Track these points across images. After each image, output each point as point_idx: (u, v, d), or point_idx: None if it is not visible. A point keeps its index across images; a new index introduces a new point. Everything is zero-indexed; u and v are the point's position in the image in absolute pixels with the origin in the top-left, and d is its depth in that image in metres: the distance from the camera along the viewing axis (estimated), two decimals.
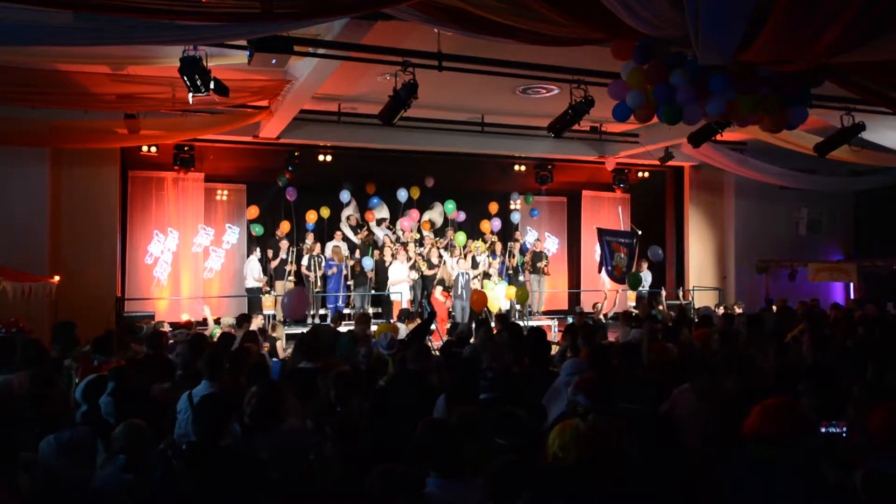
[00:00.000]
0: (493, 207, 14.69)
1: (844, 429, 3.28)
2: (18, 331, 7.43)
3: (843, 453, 3.08)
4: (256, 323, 9.55)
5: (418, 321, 8.29)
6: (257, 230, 13.08)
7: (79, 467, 2.99)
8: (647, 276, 13.73)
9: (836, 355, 5.57)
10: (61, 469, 2.96)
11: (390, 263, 12.64)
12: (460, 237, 13.77)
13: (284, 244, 12.55)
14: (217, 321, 9.87)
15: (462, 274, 12.42)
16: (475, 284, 12.89)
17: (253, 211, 13.18)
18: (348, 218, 13.73)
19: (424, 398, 4.40)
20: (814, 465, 2.91)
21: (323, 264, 12.61)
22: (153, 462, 3.24)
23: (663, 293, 13.14)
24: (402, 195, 13.95)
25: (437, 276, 12.72)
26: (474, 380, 4.38)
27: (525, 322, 11.84)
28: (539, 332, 6.37)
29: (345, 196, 13.69)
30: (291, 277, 12.64)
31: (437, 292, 12.35)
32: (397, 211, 14.16)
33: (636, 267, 13.76)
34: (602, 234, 14.33)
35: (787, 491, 2.85)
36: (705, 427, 3.78)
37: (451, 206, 14.19)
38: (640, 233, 13.91)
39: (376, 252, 13.02)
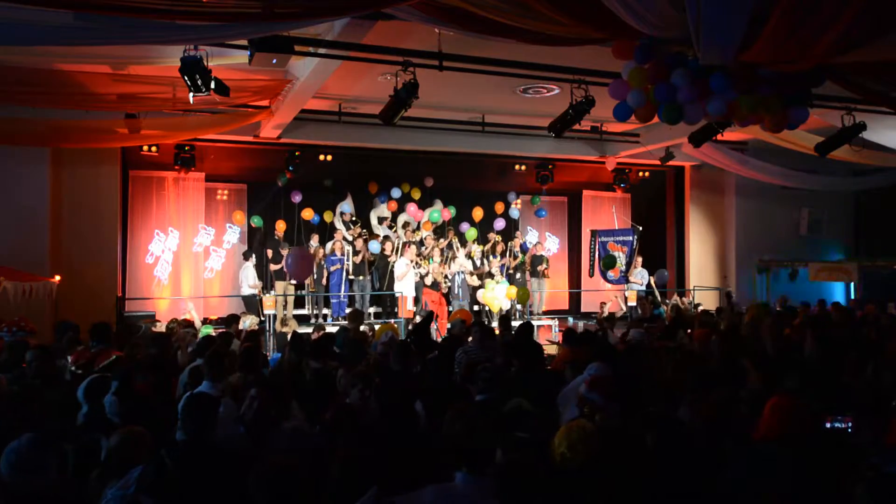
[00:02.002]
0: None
1: (850, 424, 3.26)
2: (19, 330, 7.42)
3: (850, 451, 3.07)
4: (252, 323, 9.50)
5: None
6: (256, 221, 13.00)
7: (29, 477, 2.90)
8: (643, 274, 13.74)
9: (837, 353, 5.57)
10: (10, 481, 2.89)
11: (394, 262, 12.64)
12: (472, 233, 13.84)
13: (286, 252, 12.58)
14: (205, 321, 9.85)
15: (458, 273, 12.42)
16: (476, 284, 12.91)
17: (239, 216, 13.28)
18: (342, 214, 13.73)
19: (408, 399, 4.39)
20: (819, 464, 2.91)
21: (324, 263, 12.61)
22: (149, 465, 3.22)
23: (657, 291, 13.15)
24: (396, 193, 13.98)
25: (431, 276, 12.69)
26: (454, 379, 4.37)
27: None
28: (527, 329, 6.37)
29: (345, 205, 13.71)
30: (294, 280, 12.67)
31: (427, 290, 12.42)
32: (398, 209, 14.17)
33: (634, 265, 13.82)
34: (597, 235, 14.39)
35: (792, 489, 2.84)
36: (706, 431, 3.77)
37: (436, 214, 14.07)
38: (640, 229, 13.92)
39: (388, 244, 13.01)
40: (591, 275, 14.55)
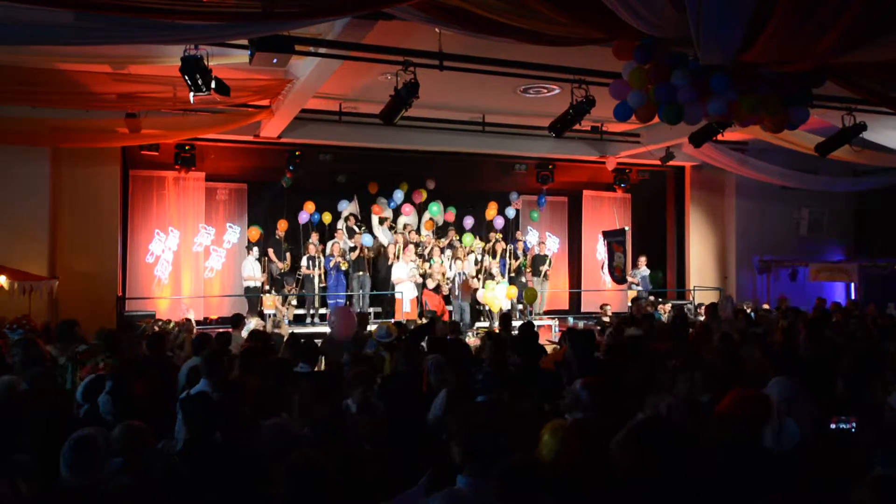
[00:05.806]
0: (494, 207, 14.69)
1: (854, 425, 3.24)
2: (19, 327, 7.41)
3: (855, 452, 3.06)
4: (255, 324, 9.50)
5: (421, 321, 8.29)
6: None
7: (86, 470, 2.92)
8: (646, 274, 13.74)
9: (836, 353, 5.57)
10: (69, 470, 2.90)
11: (393, 263, 12.63)
12: (467, 238, 13.80)
13: (288, 256, 12.75)
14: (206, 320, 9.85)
15: (459, 274, 12.41)
16: (475, 283, 12.89)
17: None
18: (347, 218, 13.72)
19: (415, 399, 4.38)
20: (823, 465, 2.90)
21: (323, 262, 12.63)
22: (152, 463, 3.22)
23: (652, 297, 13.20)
24: (398, 196, 13.96)
25: (431, 276, 12.68)
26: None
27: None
28: (530, 327, 6.36)
29: (343, 204, 13.71)
30: (300, 274, 12.75)
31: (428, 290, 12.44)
32: (399, 211, 14.18)
33: (637, 264, 13.88)
34: (605, 236, 14.51)
35: (741, 469, 2.86)
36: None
37: (435, 208, 14.09)
38: (626, 229, 14.04)
39: (389, 246, 13.00)
40: (602, 270, 14.69)
